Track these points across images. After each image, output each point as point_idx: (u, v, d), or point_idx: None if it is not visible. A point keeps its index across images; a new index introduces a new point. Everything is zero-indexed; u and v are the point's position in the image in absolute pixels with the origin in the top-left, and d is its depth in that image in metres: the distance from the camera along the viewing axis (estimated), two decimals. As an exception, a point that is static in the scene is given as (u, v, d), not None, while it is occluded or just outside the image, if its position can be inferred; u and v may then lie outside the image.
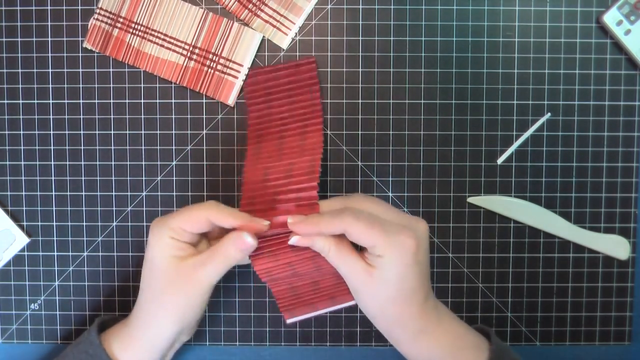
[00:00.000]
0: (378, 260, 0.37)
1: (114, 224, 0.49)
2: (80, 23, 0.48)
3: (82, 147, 0.49)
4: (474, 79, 0.48)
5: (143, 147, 0.49)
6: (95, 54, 0.49)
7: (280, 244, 0.39)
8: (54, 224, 0.49)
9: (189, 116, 0.49)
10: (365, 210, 0.38)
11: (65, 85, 0.49)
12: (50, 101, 0.49)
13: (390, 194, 0.49)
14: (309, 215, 0.39)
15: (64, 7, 0.48)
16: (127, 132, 0.49)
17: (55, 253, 0.50)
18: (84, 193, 0.49)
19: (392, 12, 0.48)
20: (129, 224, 0.49)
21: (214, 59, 0.48)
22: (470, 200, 0.49)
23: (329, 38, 0.48)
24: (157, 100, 0.49)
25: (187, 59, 0.48)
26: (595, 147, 0.49)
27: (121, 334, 0.42)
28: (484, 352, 0.39)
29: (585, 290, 0.50)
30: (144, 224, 0.49)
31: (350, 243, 0.39)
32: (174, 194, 0.49)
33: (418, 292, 0.38)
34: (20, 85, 0.49)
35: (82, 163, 0.49)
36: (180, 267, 0.39)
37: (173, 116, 0.49)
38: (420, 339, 0.39)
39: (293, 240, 0.38)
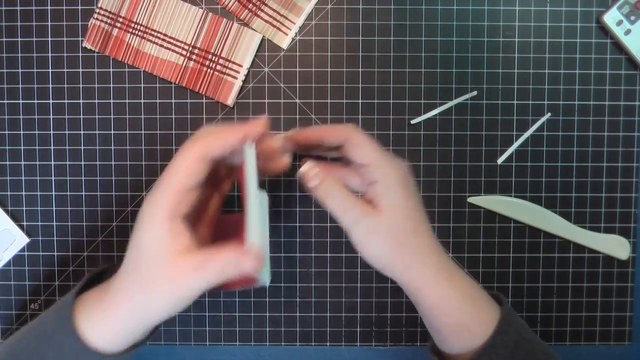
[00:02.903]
0: (375, 188, 0.36)
1: (114, 224, 0.49)
2: (80, 23, 0.49)
3: (82, 147, 0.49)
4: (474, 79, 0.48)
5: (143, 147, 0.49)
6: (95, 54, 0.49)
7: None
8: (54, 224, 0.49)
9: (189, 116, 0.49)
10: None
11: (65, 85, 0.49)
12: (50, 101, 0.49)
13: (390, 194, 0.49)
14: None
15: (64, 7, 0.48)
16: (127, 132, 0.49)
17: (55, 253, 0.50)
18: (84, 193, 0.49)
19: (392, 12, 0.48)
20: (129, 224, 0.49)
21: (213, 59, 0.48)
22: (471, 200, 0.49)
23: (329, 38, 0.48)
24: (157, 100, 0.49)
25: (186, 59, 0.48)
26: (595, 147, 0.49)
27: (96, 306, 0.36)
28: (497, 308, 0.38)
29: (586, 290, 0.50)
30: (144, 224, 0.49)
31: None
32: (174, 194, 0.49)
33: (424, 222, 0.37)
34: (20, 85, 0.49)
35: (82, 163, 0.49)
36: (177, 264, 0.34)
37: (173, 116, 0.49)
38: (442, 277, 0.36)
39: (304, 169, 0.39)
